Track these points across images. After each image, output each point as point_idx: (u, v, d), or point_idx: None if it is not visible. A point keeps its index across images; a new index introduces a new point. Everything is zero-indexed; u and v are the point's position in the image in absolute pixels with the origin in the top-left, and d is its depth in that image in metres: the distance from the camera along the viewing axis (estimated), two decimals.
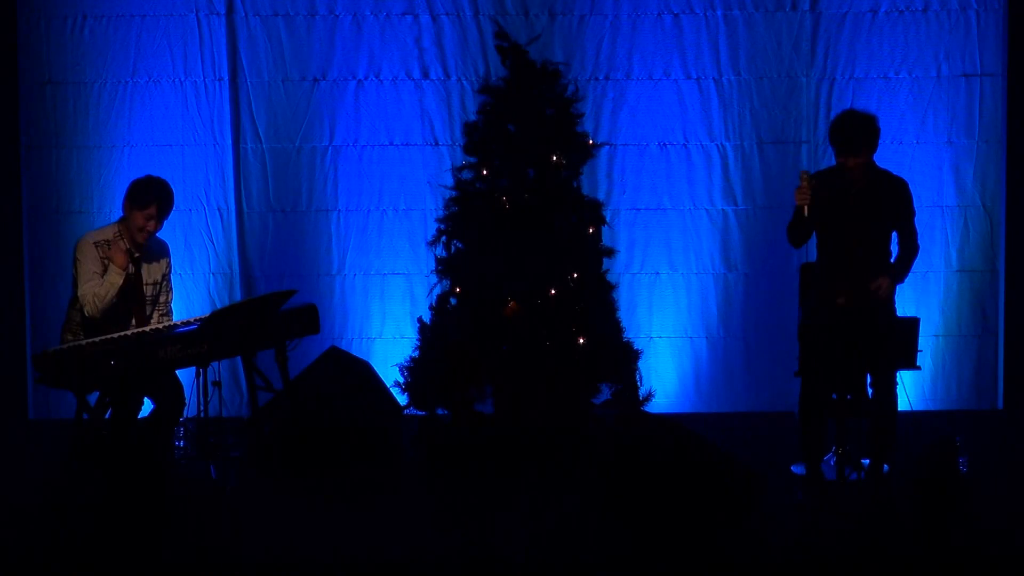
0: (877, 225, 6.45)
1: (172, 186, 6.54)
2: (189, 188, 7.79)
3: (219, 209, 7.94)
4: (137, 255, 6.44)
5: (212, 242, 7.95)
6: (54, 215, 7.91)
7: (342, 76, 7.91)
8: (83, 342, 6.23)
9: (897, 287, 6.53)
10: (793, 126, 7.89)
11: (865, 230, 6.43)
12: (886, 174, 6.53)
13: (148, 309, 6.53)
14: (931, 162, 7.86)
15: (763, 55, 7.89)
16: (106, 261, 6.35)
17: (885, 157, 7.72)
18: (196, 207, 7.90)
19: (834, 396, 6.63)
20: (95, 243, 6.40)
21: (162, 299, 6.59)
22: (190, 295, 7.82)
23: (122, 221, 6.47)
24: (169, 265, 6.67)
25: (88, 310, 6.30)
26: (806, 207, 6.41)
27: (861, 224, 6.43)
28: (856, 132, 6.39)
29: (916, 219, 6.57)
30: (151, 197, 6.41)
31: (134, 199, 6.41)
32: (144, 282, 6.49)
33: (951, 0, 7.81)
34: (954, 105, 7.85)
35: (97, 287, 6.30)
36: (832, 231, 6.49)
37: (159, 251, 6.62)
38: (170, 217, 6.55)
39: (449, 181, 7.18)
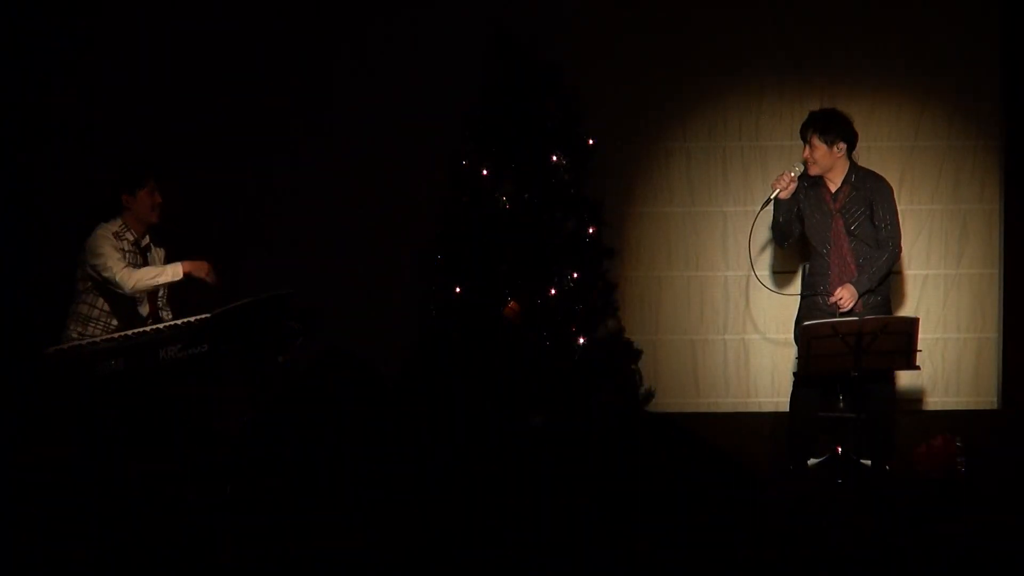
0: (857, 224, 6.41)
1: None
2: None
3: None
4: (145, 243, 6.49)
5: None
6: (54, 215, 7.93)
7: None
8: (83, 342, 6.25)
9: (894, 287, 6.52)
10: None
11: (846, 229, 6.40)
12: (867, 172, 6.50)
13: (160, 302, 6.64)
14: (931, 163, 7.87)
15: None
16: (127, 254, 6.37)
17: (885, 157, 7.75)
18: None
19: (840, 396, 6.65)
20: (113, 233, 6.42)
21: (161, 292, 6.63)
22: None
23: (123, 214, 6.46)
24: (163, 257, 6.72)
25: (128, 289, 6.33)
26: (779, 191, 6.39)
27: (841, 223, 6.41)
28: (806, 122, 6.41)
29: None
30: (144, 172, 6.43)
31: (130, 183, 6.42)
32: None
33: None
34: (953, 105, 7.85)
35: (150, 272, 6.32)
36: (815, 231, 6.48)
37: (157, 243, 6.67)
38: None
39: (449, 181, 7.19)
